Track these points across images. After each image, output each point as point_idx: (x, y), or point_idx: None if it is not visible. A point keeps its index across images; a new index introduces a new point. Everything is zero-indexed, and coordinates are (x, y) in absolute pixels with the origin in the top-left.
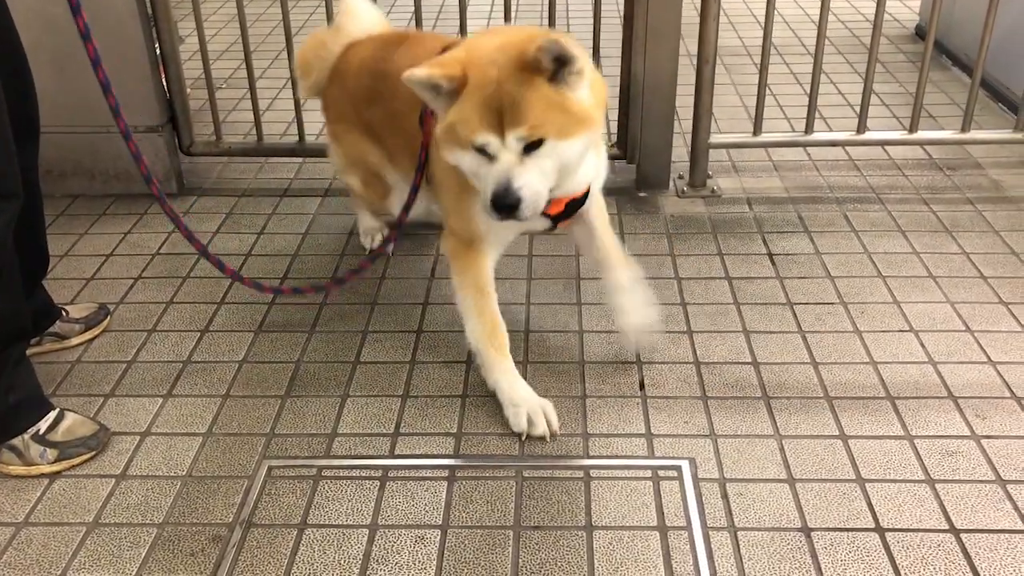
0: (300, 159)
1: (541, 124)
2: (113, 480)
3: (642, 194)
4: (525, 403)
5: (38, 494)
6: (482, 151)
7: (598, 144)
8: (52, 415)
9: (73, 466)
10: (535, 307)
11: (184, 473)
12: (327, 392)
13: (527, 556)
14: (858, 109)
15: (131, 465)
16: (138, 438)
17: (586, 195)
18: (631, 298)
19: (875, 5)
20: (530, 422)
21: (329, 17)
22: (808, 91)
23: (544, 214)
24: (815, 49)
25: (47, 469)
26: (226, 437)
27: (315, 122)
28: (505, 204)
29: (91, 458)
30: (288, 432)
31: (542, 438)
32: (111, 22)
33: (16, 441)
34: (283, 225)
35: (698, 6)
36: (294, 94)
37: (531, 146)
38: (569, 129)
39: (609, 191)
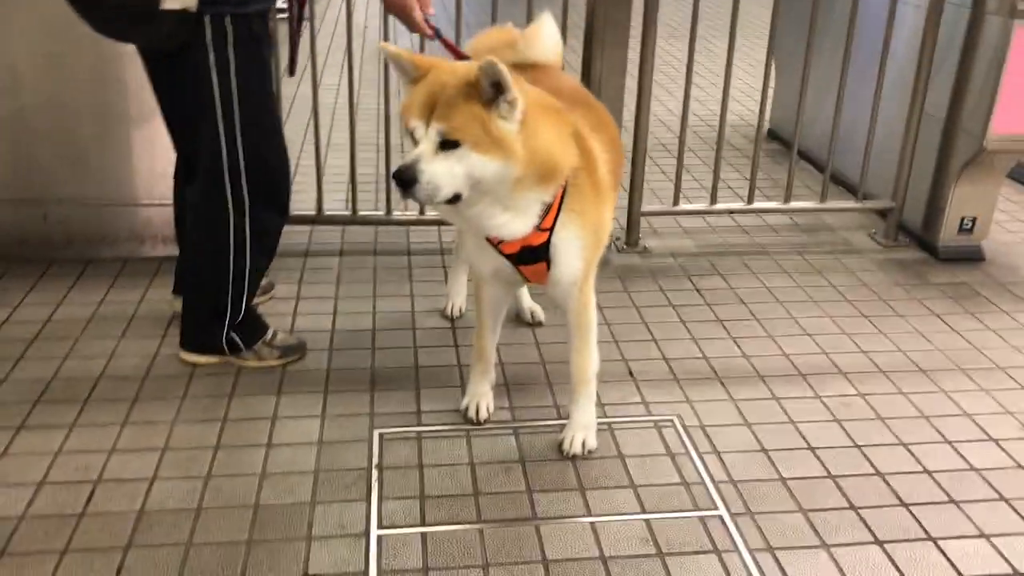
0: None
1: (460, 128)
2: (264, 447)
3: None
4: (470, 395)
5: (213, 440)
6: (412, 135)
7: (572, 217)
8: (271, 330)
9: (287, 363)
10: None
11: (316, 440)
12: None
13: (584, 471)
14: (739, 190)
15: (274, 436)
16: (269, 421)
17: (546, 249)
18: (574, 415)
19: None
20: (468, 407)
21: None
22: (713, 171)
23: (501, 252)
24: (716, 144)
25: (274, 363)
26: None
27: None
28: (402, 179)
29: (298, 359)
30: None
31: (473, 420)
32: None
33: (257, 345)
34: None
35: (632, 109)
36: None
37: (447, 144)
38: (485, 146)
39: None
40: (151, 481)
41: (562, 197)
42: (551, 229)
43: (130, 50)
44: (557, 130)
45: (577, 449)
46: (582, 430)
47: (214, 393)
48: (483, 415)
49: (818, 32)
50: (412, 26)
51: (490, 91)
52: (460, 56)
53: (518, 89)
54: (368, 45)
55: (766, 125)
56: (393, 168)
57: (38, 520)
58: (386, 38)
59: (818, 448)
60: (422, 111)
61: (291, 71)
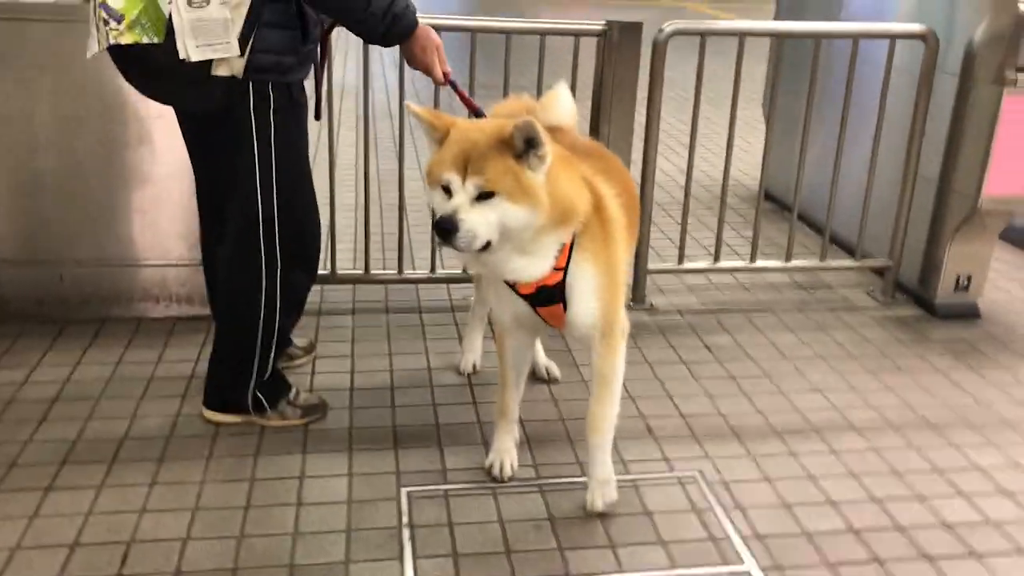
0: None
1: (496, 180)
2: (294, 506)
3: None
4: (495, 451)
5: (243, 500)
6: (446, 189)
7: (584, 256)
8: (294, 389)
9: (309, 422)
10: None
11: (345, 499)
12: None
13: (613, 528)
14: (737, 248)
15: (303, 495)
16: (296, 480)
17: (561, 289)
18: (592, 472)
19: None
20: (493, 464)
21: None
22: (716, 231)
23: (518, 293)
24: (720, 204)
25: (297, 422)
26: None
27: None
28: (444, 228)
29: (319, 419)
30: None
31: (498, 478)
32: None
33: (280, 404)
34: None
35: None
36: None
37: (483, 196)
38: (517, 196)
39: None
40: (184, 541)
41: (574, 238)
42: (565, 269)
43: (149, 114)
44: (572, 177)
45: (599, 507)
46: (601, 486)
47: (239, 453)
48: (507, 472)
49: (815, 96)
50: (434, 79)
51: (522, 146)
52: (473, 108)
53: (547, 141)
54: (377, 106)
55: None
56: (434, 220)
57: None
58: (402, 98)
59: (839, 503)
60: (457, 165)
61: (317, 115)
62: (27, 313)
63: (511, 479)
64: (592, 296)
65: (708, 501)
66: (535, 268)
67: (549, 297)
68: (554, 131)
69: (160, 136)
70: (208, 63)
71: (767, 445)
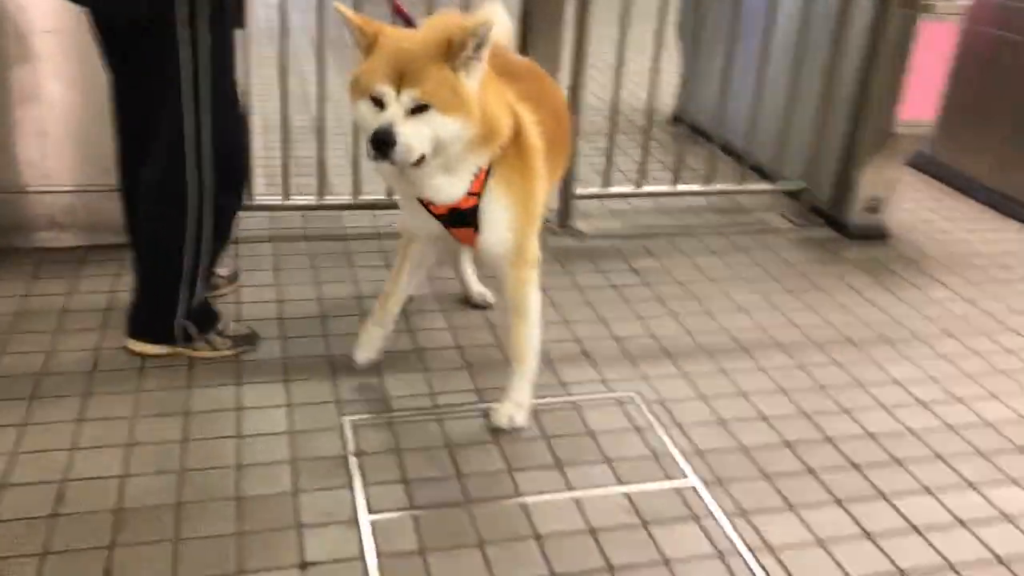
0: None
1: (432, 92)
2: (234, 438)
3: None
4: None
5: (179, 434)
6: (377, 101)
7: (499, 184)
8: (224, 319)
9: (240, 352)
10: None
11: (286, 430)
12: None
13: (560, 447)
14: (654, 172)
15: (241, 428)
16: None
17: (474, 214)
18: (508, 392)
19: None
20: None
21: None
22: (641, 156)
23: (432, 212)
24: (646, 129)
25: (228, 353)
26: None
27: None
28: (382, 142)
29: (250, 350)
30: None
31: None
32: None
33: (210, 334)
34: None
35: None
36: None
37: (417, 109)
38: (452, 108)
39: None
40: (122, 479)
41: (491, 165)
42: (479, 195)
43: (36, 28)
44: (498, 97)
45: (503, 423)
46: (513, 407)
47: (170, 386)
48: (361, 358)
49: (725, 18)
50: None
51: (471, 53)
52: (406, 17)
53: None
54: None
55: (668, 110)
56: (369, 134)
57: (6, 525)
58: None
59: (771, 417)
60: (390, 76)
61: (241, 23)
62: None
63: (366, 365)
64: (504, 225)
65: (647, 420)
66: (453, 189)
67: (461, 219)
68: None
69: (55, 53)
70: None
71: (699, 364)
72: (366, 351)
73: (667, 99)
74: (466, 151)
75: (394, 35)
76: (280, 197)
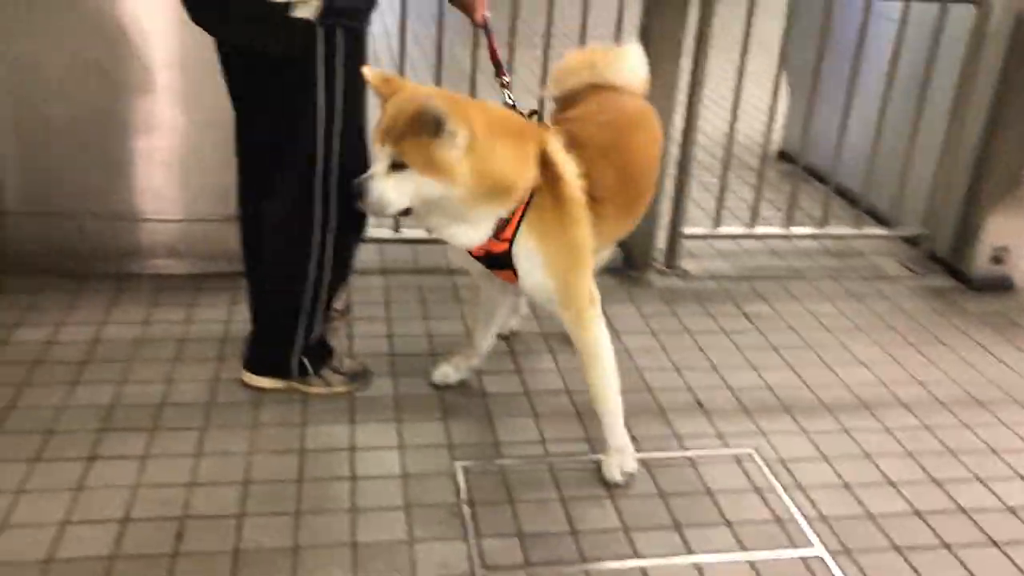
0: None
1: (406, 154)
2: (349, 480)
3: (632, 273)
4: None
5: (295, 473)
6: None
7: (530, 233)
8: (338, 355)
9: (352, 390)
10: None
11: (399, 473)
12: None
13: (677, 506)
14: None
15: (356, 468)
16: (347, 452)
17: (508, 257)
18: (607, 441)
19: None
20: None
21: None
22: (754, 195)
23: (470, 253)
24: (760, 167)
25: (341, 390)
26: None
27: None
28: (358, 191)
29: (363, 387)
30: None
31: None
32: None
33: (324, 370)
34: None
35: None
36: None
37: (397, 166)
38: (429, 170)
39: (608, 270)
40: (239, 517)
41: (524, 212)
42: (512, 240)
43: (171, 62)
44: (513, 152)
45: (618, 477)
46: (616, 454)
47: (286, 422)
48: (437, 378)
49: (840, 54)
50: (473, 20)
51: (432, 124)
52: (496, 61)
53: (460, 119)
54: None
55: (776, 145)
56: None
57: (129, 561)
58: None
59: (899, 483)
60: (381, 133)
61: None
62: (44, 267)
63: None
64: (540, 271)
65: (768, 480)
66: (470, 236)
67: (497, 262)
68: (603, 90)
69: (184, 85)
70: (287, 4)
71: (820, 421)
72: (442, 374)
73: (775, 135)
74: (475, 206)
75: (404, 92)
76: (390, 230)
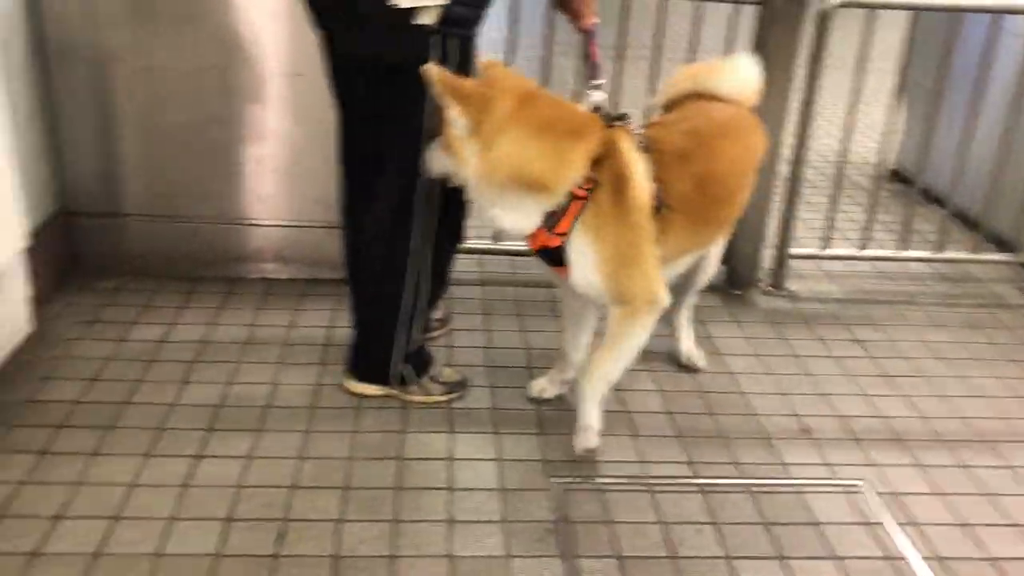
0: None
1: (446, 132)
2: (445, 491)
3: (736, 292)
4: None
5: (392, 480)
6: None
7: (586, 230)
8: (438, 364)
9: (451, 399)
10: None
11: (496, 487)
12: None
13: (781, 537)
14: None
15: (453, 479)
16: (445, 462)
17: (562, 253)
18: (577, 416)
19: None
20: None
21: None
22: (867, 215)
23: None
24: (873, 188)
25: (440, 399)
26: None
27: None
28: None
29: (460, 397)
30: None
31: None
32: None
33: (424, 379)
34: None
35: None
36: None
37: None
38: (444, 147)
39: (711, 288)
40: (338, 523)
41: (582, 210)
42: (567, 235)
43: (288, 70)
44: (545, 147)
45: (577, 450)
46: (581, 432)
47: (385, 428)
48: (534, 392)
49: (963, 70)
50: (580, 25)
51: (458, 127)
52: (593, 63)
53: (466, 108)
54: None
55: (890, 165)
56: None
57: (233, 560)
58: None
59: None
60: None
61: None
62: (159, 269)
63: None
64: (592, 270)
65: (879, 515)
66: (512, 221)
67: (552, 256)
68: (700, 100)
69: (295, 94)
70: (410, 11)
71: (935, 455)
72: (538, 388)
73: (888, 155)
74: (506, 193)
75: (481, 79)
76: (490, 241)
